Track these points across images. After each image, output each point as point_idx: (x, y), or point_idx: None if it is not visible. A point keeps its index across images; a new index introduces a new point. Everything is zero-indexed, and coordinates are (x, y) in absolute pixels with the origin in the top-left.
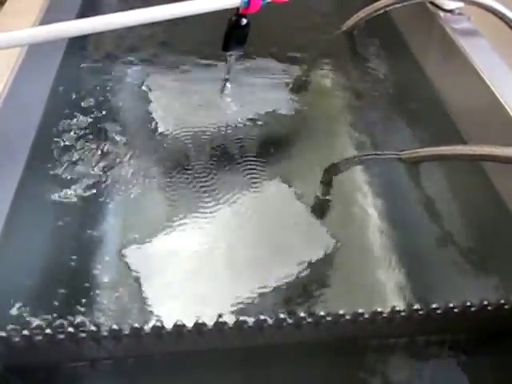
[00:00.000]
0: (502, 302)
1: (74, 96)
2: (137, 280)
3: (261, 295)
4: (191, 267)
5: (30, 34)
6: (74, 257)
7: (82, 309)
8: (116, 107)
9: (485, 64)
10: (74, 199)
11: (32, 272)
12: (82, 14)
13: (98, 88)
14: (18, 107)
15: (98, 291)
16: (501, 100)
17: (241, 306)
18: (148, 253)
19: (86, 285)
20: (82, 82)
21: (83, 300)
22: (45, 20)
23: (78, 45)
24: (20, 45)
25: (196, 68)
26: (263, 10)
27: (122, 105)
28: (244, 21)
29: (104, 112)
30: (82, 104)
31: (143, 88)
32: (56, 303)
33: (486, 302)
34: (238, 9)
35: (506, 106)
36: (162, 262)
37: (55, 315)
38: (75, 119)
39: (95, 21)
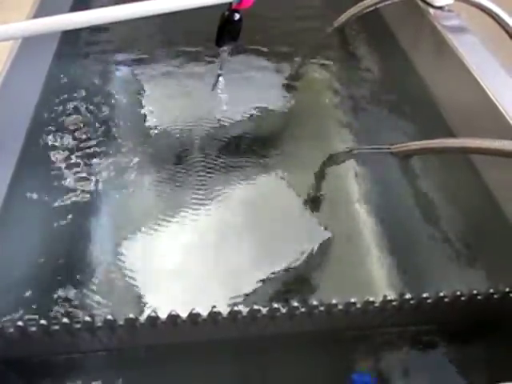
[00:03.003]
0: (491, 291)
1: (66, 90)
2: (132, 272)
3: (256, 286)
4: (186, 259)
5: (22, 27)
6: (68, 251)
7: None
8: (108, 101)
9: (474, 59)
10: (68, 193)
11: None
12: (75, 8)
13: (89, 82)
14: (11, 99)
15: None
16: (490, 95)
17: (235, 296)
18: (143, 245)
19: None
20: (74, 77)
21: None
22: (38, 14)
23: (70, 39)
24: (13, 38)
25: (189, 63)
26: (256, 6)
27: (113, 99)
28: (237, 16)
29: (96, 106)
30: (74, 99)
31: (136, 83)
32: (50, 294)
33: (475, 292)
34: (230, 4)
35: (495, 101)
36: (157, 254)
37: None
38: (67, 113)
39: (89, 14)
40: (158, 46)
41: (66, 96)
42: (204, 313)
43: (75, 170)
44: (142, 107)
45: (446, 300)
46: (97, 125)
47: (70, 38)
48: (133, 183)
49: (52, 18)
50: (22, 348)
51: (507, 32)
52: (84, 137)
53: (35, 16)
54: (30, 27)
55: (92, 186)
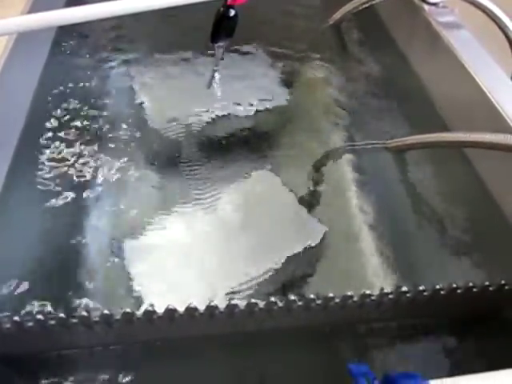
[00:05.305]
0: (487, 283)
1: (61, 86)
2: (131, 269)
3: (254, 282)
4: (183, 256)
5: (18, 22)
6: (63, 248)
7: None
8: (103, 98)
9: (468, 55)
10: (67, 190)
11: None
12: (70, 3)
13: (85, 78)
14: (6, 96)
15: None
16: (484, 90)
17: (232, 291)
18: (141, 243)
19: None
20: (70, 72)
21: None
22: (33, 9)
23: (65, 34)
24: (7, 33)
25: (184, 60)
26: (251, 3)
27: (109, 96)
28: (232, 12)
29: (91, 103)
30: (70, 94)
31: (132, 78)
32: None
33: (471, 284)
34: (225, 0)
35: (490, 96)
36: (155, 252)
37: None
38: (63, 109)
39: (84, 10)
40: (153, 44)
41: (61, 92)
42: (201, 307)
43: (71, 167)
44: (137, 104)
45: (443, 292)
46: (93, 121)
47: (66, 34)
48: (132, 180)
49: (47, 13)
50: (19, 343)
51: (501, 28)
52: (79, 134)
53: (30, 11)
54: (24, 22)
55: (87, 183)
